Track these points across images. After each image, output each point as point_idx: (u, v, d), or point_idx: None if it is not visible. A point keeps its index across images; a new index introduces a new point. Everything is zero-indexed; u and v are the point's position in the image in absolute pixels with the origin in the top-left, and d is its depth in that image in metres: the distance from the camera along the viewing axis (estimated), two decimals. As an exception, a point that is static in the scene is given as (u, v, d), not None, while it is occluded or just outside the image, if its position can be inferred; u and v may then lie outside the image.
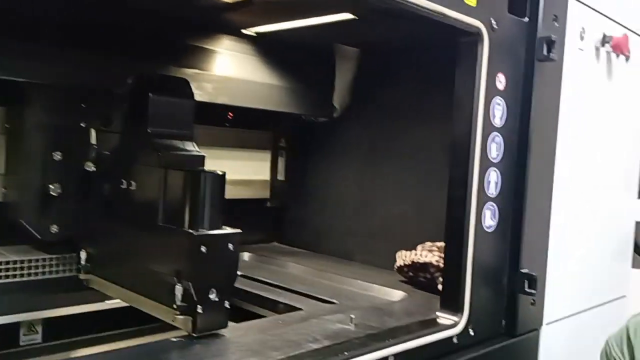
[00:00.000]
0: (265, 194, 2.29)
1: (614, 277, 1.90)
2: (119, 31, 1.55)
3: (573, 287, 1.67)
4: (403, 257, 1.77)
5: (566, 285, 1.63)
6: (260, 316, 1.58)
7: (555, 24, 1.46)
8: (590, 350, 1.61)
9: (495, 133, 1.37)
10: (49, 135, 1.50)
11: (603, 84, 1.69)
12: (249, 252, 2.15)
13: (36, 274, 1.57)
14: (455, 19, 1.23)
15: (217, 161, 1.96)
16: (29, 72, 1.42)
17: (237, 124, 2.18)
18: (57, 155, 1.51)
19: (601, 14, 1.63)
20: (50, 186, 1.50)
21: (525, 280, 1.44)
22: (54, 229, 1.51)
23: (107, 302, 1.56)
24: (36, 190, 1.50)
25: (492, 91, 1.35)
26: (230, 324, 1.22)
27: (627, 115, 1.87)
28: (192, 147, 1.34)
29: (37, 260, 1.57)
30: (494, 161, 1.38)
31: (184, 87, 1.39)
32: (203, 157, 1.32)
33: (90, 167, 1.50)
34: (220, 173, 1.21)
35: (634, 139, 1.93)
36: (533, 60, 1.42)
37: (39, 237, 1.51)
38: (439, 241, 1.69)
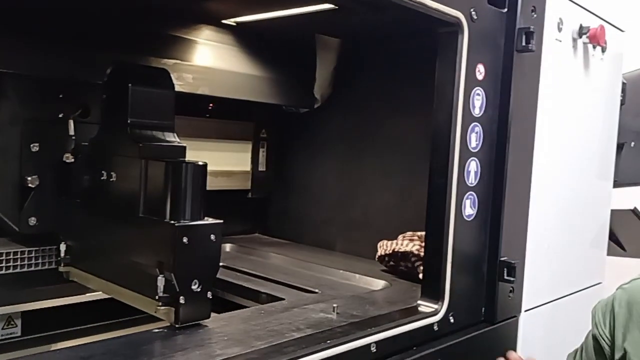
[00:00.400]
0: (246, 184, 2.28)
1: (590, 264, 1.94)
2: (98, 21, 1.53)
3: (551, 275, 1.70)
4: (384, 247, 1.79)
5: (544, 273, 1.65)
6: (242, 306, 1.58)
7: (534, 14, 1.48)
8: (567, 336, 1.65)
9: (475, 123, 1.39)
10: (26, 127, 1.48)
11: (580, 75, 1.71)
12: (231, 243, 2.14)
13: (15, 267, 1.55)
14: (435, 9, 1.24)
15: (198, 152, 1.94)
16: (5, 62, 1.40)
17: (217, 115, 2.17)
18: (35, 147, 1.50)
19: (578, 5, 1.65)
20: (28, 178, 1.48)
21: (505, 269, 1.46)
22: (33, 221, 1.50)
23: (87, 294, 1.55)
24: (13, 182, 1.48)
25: (471, 82, 1.36)
26: (213, 314, 1.22)
27: (603, 105, 1.90)
28: (173, 138, 1.33)
29: (15, 253, 1.55)
30: (474, 151, 1.40)
31: (164, 78, 1.38)
32: (184, 148, 1.31)
33: (69, 158, 1.48)
34: (202, 164, 1.21)
35: (610, 129, 1.97)
36: (512, 51, 1.44)
37: (17, 229, 1.49)
38: (420, 230, 1.71)
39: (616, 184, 2.05)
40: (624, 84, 2.01)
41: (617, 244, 2.35)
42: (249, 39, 1.92)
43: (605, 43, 1.73)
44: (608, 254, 2.07)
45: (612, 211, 2.06)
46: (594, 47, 1.73)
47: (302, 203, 2.28)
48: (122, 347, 1.06)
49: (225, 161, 2.20)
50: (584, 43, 1.69)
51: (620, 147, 2.08)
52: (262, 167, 2.31)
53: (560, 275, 1.76)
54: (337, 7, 1.59)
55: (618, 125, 2.00)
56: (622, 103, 2.02)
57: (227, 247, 2.12)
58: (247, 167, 2.29)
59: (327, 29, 2.03)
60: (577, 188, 1.79)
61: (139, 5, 1.58)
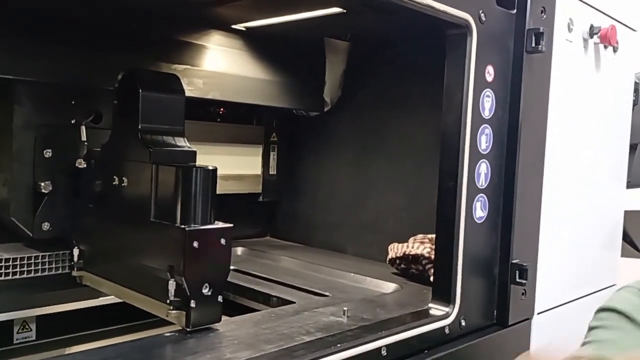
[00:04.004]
0: (257, 188, 2.29)
1: (604, 266, 1.92)
2: (108, 27, 1.55)
3: (564, 277, 1.69)
4: (395, 250, 1.78)
5: (557, 275, 1.64)
6: (253, 310, 1.59)
7: (543, 15, 1.47)
8: (581, 339, 1.63)
9: (485, 125, 1.38)
10: (39, 133, 1.50)
11: (591, 75, 1.70)
12: (242, 246, 2.15)
13: (29, 271, 1.57)
14: (443, 12, 1.23)
15: (208, 156, 1.96)
16: (18, 69, 1.42)
17: (228, 119, 2.18)
18: (48, 153, 1.51)
19: (588, 5, 1.64)
20: (41, 184, 1.50)
21: (516, 271, 1.45)
22: (46, 226, 1.52)
23: (100, 298, 1.57)
24: (27, 187, 1.50)
25: (481, 83, 1.36)
26: (224, 318, 1.22)
27: (615, 106, 1.88)
28: (183, 143, 1.34)
29: (29, 258, 1.57)
30: (484, 153, 1.39)
31: (175, 83, 1.39)
32: (194, 153, 1.32)
33: (82, 164, 1.50)
34: (212, 168, 1.21)
35: (622, 129, 1.95)
36: (522, 52, 1.43)
37: (30, 234, 1.51)
38: (431, 233, 1.70)
39: (629, 185, 2.03)
40: (636, 84, 1.99)
41: (631, 245, 2.33)
42: (258, 44, 1.93)
43: (617, 43, 1.72)
44: (622, 256, 2.06)
45: (626, 212, 2.04)
46: (605, 47, 1.72)
47: (313, 206, 2.29)
48: (133, 351, 1.07)
49: (236, 165, 2.21)
50: (595, 43, 1.68)
51: (633, 147, 2.06)
52: (272, 171, 2.32)
53: (574, 277, 1.74)
54: (345, 11, 1.60)
55: (631, 126, 1.98)
56: (635, 103, 2.00)
57: (239, 250, 2.13)
58: (258, 170, 2.30)
59: (336, 33, 2.04)
60: (589, 189, 1.77)
61: (149, 11, 1.59)
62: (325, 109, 2.16)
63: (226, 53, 1.85)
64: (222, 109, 2.16)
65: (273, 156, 2.32)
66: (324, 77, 2.11)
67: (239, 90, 1.88)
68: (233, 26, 1.83)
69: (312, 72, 2.09)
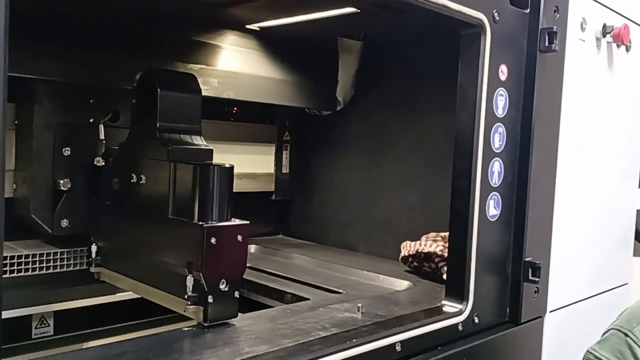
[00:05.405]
0: (270, 187, 2.31)
1: (616, 265, 1.93)
2: (125, 29, 1.57)
3: (576, 275, 1.69)
4: (407, 248, 1.79)
5: (570, 273, 1.65)
6: (268, 306, 1.61)
7: (557, 15, 1.47)
8: (593, 337, 1.63)
9: (498, 124, 1.39)
10: (58, 131, 1.53)
11: (604, 75, 1.71)
12: (256, 244, 2.17)
13: (48, 267, 1.59)
14: (457, 11, 1.25)
15: (222, 155, 1.97)
16: (37, 69, 1.45)
17: (242, 118, 2.21)
18: (67, 151, 1.54)
19: (601, 4, 1.64)
20: (60, 181, 1.53)
21: (529, 269, 1.46)
22: (65, 223, 1.55)
23: (118, 294, 1.59)
24: (46, 185, 1.53)
25: (494, 82, 1.36)
26: (240, 314, 1.24)
27: (628, 105, 1.88)
28: (200, 141, 1.36)
29: (48, 255, 1.59)
30: (497, 151, 1.40)
31: (192, 83, 1.41)
32: (211, 151, 1.34)
33: (100, 162, 1.52)
34: (228, 166, 1.23)
35: (635, 129, 1.95)
36: (535, 51, 1.44)
37: (50, 231, 1.54)
38: (443, 231, 1.71)
39: (642, 184, 2.03)
40: (649, 82, 1.99)
41: (643, 244, 2.32)
42: (272, 44, 1.95)
43: (630, 42, 1.72)
44: (634, 255, 2.05)
45: (638, 211, 2.04)
46: (618, 46, 1.72)
47: (325, 204, 2.30)
48: (153, 345, 1.09)
49: (250, 164, 2.23)
50: (608, 42, 1.68)
51: (646, 146, 2.06)
52: (285, 170, 2.34)
53: (586, 276, 1.75)
54: (359, 11, 1.61)
55: (644, 125, 1.98)
56: (648, 102, 1.99)
57: (252, 248, 2.15)
58: (271, 169, 2.32)
59: (349, 32, 2.05)
60: (602, 188, 1.78)
61: (165, 13, 1.62)
62: (338, 108, 2.18)
63: (241, 53, 1.88)
64: (235, 108, 2.19)
65: (286, 155, 2.34)
66: (336, 76, 2.12)
67: (253, 90, 1.90)
68: (247, 26, 1.85)
69: (325, 71, 2.10)
